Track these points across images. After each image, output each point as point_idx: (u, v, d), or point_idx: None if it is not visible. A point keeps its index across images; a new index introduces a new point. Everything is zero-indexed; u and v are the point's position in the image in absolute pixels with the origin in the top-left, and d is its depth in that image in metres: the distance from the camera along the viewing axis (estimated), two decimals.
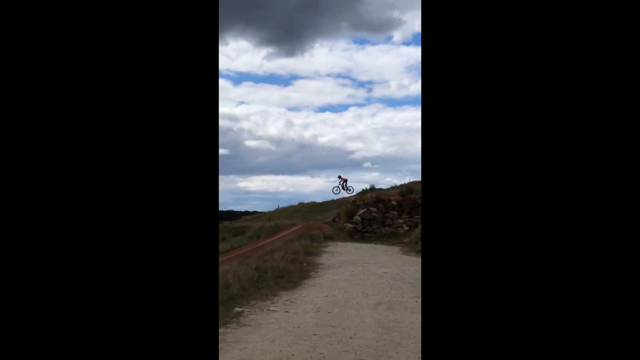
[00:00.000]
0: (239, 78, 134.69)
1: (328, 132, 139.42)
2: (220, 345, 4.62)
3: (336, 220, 19.58)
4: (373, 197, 18.87)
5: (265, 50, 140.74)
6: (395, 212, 18.02)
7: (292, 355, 4.34)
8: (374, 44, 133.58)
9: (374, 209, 18.14)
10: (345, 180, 22.69)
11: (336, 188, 22.20)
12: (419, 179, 15.42)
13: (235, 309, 6.13)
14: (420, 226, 15.18)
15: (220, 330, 5.16)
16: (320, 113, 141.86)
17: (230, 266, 9.27)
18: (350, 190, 22.19)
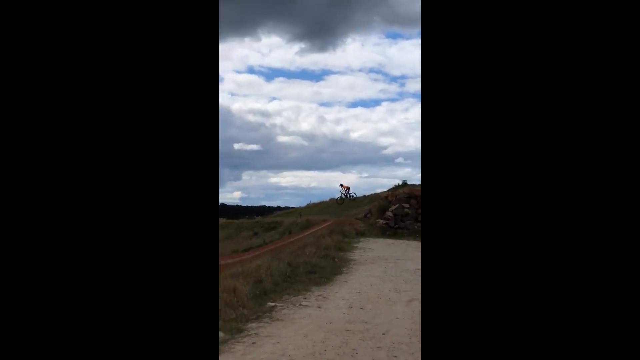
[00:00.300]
0: (271, 74, 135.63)
1: (360, 127, 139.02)
2: (253, 340, 4.67)
3: (368, 216, 19.49)
4: (405, 192, 18.69)
5: (297, 46, 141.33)
6: None
7: (325, 350, 4.35)
8: (406, 38, 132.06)
9: (406, 205, 17.98)
10: (348, 188, 22.67)
11: (340, 198, 22.02)
12: None
13: (268, 303, 6.18)
14: None
15: (253, 325, 5.22)
16: (352, 108, 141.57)
17: (262, 261, 9.36)
18: (353, 196, 21.95)
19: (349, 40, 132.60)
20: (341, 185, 23.19)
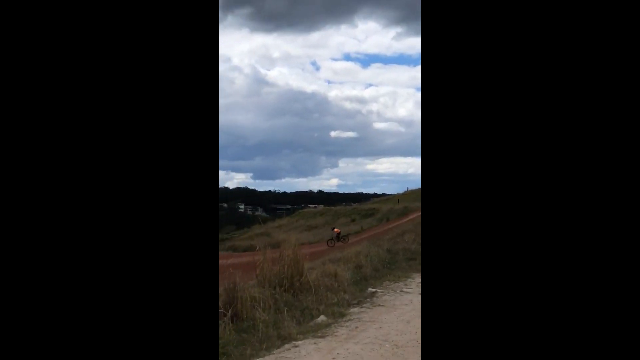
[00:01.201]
0: (368, 60, 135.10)
1: None
2: (355, 324, 4.73)
3: None
4: None
5: (394, 31, 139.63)
6: None
7: None
8: None
9: None
10: (339, 232, 22.57)
11: (330, 241, 21.44)
12: None
13: (369, 289, 6.22)
14: None
15: (355, 309, 5.28)
16: None
17: (361, 247, 9.43)
18: (345, 239, 21.16)
19: None
20: (333, 229, 24.40)
